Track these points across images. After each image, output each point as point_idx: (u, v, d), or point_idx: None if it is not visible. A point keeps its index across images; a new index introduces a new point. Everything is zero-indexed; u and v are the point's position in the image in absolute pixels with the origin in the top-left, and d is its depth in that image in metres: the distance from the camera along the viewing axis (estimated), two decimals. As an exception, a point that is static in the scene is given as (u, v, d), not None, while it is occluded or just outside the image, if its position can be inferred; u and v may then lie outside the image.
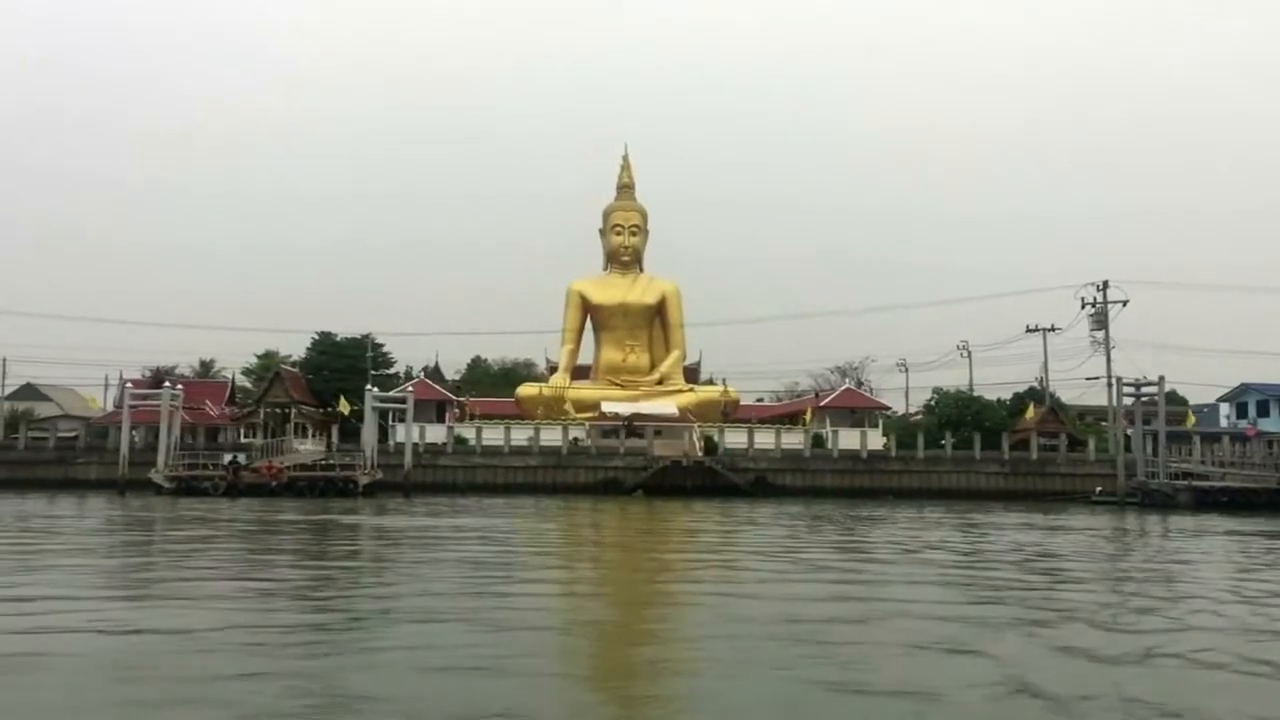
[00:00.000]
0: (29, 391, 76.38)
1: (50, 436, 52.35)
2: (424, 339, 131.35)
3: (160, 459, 43.55)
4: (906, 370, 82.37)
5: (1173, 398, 63.87)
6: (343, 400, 51.71)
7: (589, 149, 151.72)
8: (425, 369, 78.40)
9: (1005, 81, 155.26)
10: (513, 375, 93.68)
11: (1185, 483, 43.22)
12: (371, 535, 26.81)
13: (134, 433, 53.68)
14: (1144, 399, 46.10)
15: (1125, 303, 50.93)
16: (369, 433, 45.99)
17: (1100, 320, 50.96)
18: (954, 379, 78.99)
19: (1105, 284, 51.14)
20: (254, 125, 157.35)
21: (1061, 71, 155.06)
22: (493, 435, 52.55)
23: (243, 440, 53.72)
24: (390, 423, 54.57)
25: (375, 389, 47.66)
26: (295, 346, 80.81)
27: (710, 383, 69.87)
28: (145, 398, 46.17)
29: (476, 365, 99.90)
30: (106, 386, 63.88)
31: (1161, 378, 44.74)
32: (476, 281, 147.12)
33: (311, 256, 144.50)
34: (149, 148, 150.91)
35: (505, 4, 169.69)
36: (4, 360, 60.54)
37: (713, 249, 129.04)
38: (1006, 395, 69.97)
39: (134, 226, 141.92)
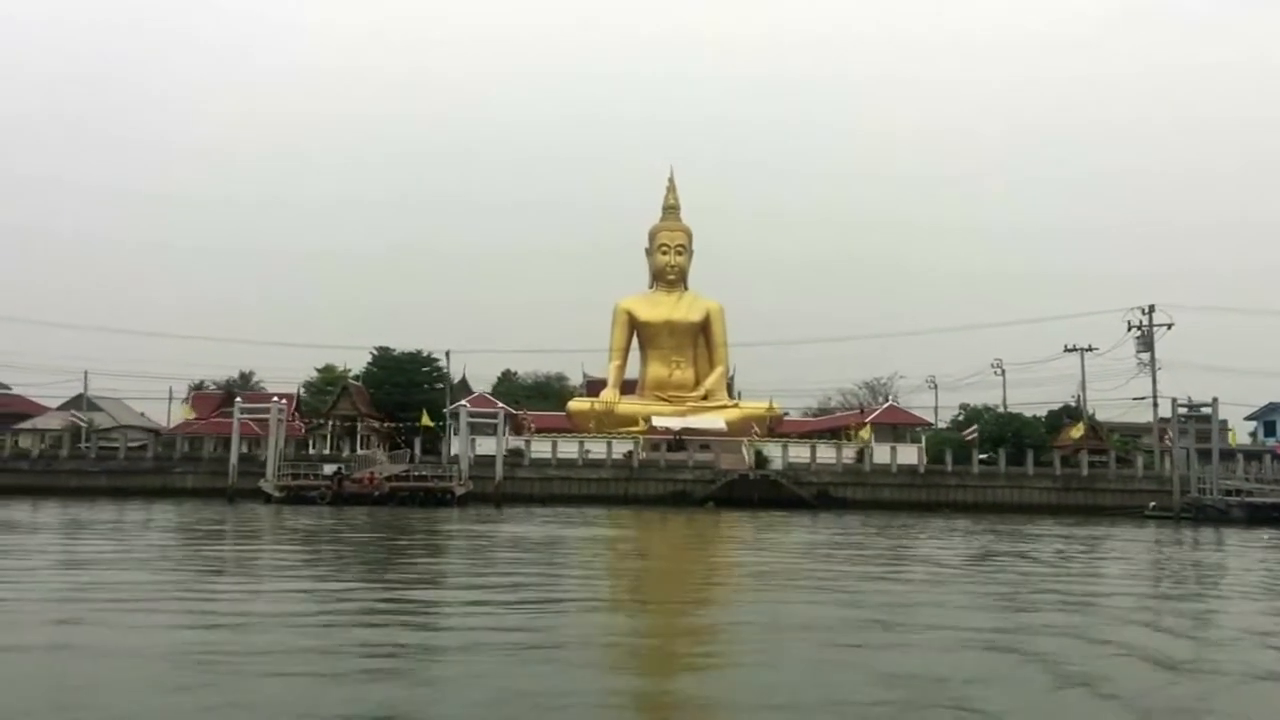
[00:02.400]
0: (81, 402, 77.83)
1: (150, 447, 54.16)
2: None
3: (269, 469, 45.49)
4: (936, 388, 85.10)
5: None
6: (425, 415, 53.68)
7: (609, 160, 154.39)
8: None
9: (1021, 82, 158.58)
10: (546, 389, 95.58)
11: (1238, 498, 45.62)
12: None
13: (212, 443, 55.57)
14: (1195, 418, 48.57)
15: (1170, 325, 53.41)
16: (463, 445, 47.94)
17: (1146, 342, 53.35)
18: (980, 397, 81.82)
19: (1151, 308, 53.67)
20: (242, 132, 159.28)
21: (1074, 76, 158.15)
22: (564, 449, 54.52)
23: (324, 452, 55.56)
24: (455, 434, 56.43)
25: (467, 404, 49.63)
26: (293, 360, 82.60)
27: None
28: (254, 411, 48.05)
29: (506, 379, 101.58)
30: (171, 399, 65.54)
31: (1215, 399, 47.22)
32: (491, 292, 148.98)
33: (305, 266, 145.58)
34: (141, 156, 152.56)
35: (519, 13, 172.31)
36: (85, 374, 62.17)
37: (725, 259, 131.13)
38: (1040, 413, 72.50)
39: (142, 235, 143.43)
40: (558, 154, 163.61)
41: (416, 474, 47.33)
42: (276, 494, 43.94)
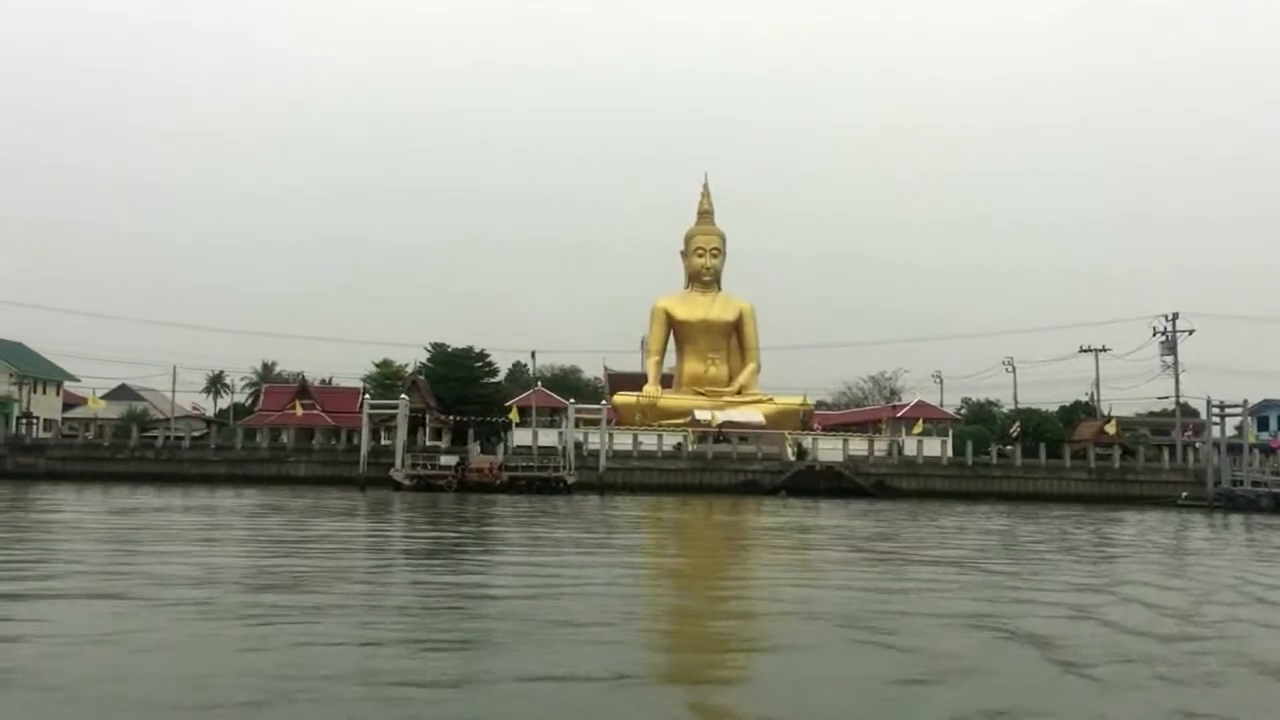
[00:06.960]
0: (124, 392, 79.08)
1: (262, 437, 56.39)
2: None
3: (398, 459, 48.34)
4: (941, 383, 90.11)
5: (1187, 410, 72.18)
6: (514, 410, 56.78)
7: (609, 158, 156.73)
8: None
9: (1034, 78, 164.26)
10: (564, 383, 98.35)
11: (1266, 489, 50.84)
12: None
13: (282, 434, 57.92)
14: (1225, 416, 53.83)
15: (1192, 331, 58.56)
16: (569, 439, 51.28)
17: (1170, 346, 58.41)
18: (983, 393, 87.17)
19: (1175, 315, 58.79)
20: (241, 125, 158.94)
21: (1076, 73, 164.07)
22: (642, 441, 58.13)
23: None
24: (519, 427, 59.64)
25: (574, 401, 52.90)
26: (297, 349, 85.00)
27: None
28: (379, 406, 50.85)
29: (518, 371, 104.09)
30: (230, 389, 67.20)
31: (1245, 401, 52.38)
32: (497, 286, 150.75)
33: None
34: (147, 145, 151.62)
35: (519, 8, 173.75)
36: (174, 368, 63.79)
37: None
38: (1049, 409, 77.72)
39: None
40: (559, 150, 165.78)
41: (524, 465, 50.43)
42: (407, 483, 46.71)
